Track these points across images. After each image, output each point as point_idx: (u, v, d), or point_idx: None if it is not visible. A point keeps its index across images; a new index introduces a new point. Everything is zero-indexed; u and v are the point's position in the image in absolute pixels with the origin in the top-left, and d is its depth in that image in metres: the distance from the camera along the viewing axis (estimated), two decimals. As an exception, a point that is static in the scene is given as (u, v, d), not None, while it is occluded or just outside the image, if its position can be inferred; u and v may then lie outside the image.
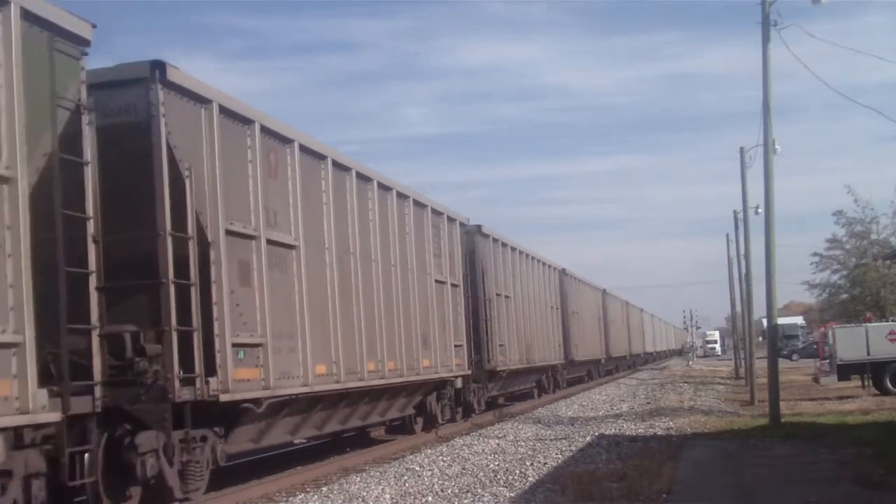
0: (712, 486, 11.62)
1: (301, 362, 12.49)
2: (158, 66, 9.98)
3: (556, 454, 15.27)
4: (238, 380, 10.84)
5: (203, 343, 10.30)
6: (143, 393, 9.73)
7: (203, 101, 10.79)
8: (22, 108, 7.61)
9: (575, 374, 38.58)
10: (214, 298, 10.52)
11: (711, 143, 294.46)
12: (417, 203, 18.09)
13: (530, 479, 12.57)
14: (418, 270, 17.72)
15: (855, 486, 10.85)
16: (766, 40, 19.31)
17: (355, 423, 15.92)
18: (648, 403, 27.58)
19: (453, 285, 20.14)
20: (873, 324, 30.75)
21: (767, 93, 19.62)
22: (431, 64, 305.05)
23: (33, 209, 7.68)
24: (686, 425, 19.50)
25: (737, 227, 42.23)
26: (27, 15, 7.77)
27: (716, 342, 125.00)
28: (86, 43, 8.61)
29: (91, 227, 8.54)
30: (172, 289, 9.90)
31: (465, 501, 11.08)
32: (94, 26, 8.63)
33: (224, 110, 11.13)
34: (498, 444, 17.17)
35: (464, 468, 13.95)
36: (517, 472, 13.24)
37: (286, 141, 12.77)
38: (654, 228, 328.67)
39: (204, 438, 10.95)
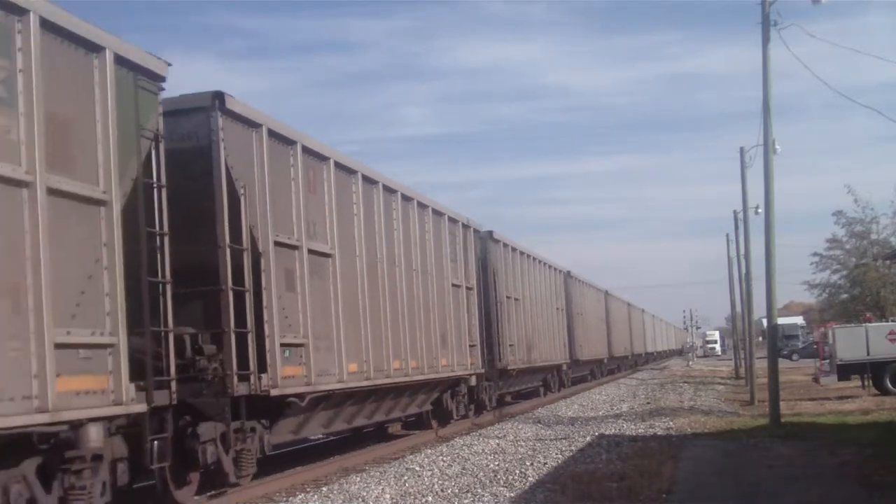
0: (712, 486, 11.56)
1: (336, 361, 13.66)
2: (218, 96, 11.18)
3: (556, 454, 15.34)
4: (285, 376, 12.02)
5: (255, 343, 11.49)
6: (205, 388, 10.89)
7: (254, 125, 11.98)
8: (115, 140, 8.78)
9: (579, 373, 39.73)
10: (265, 303, 11.70)
11: (711, 143, 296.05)
12: (436, 212, 19.27)
13: (530, 479, 12.58)
14: (437, 275, 18.90)
15: (855, 486, 10.88)
16: (766, 40, 19.30)
17: (379, 417, 17.10)
18: (648, 403, 27.68)
19: (468, 288, 21.33)
20: (873, 324, 30.80)
21: (767, 93, 19.61)
22: (431, 64, 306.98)
23: (124, 227, 8.86)
24: (686, 425, 19.56)
25: (737, 227, 42.29)
26: (118, 59, 8.95)
27: (716, 342, 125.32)
28: (162, 79, 9.79)
29: (167, 242, 9.71)
30: (231, 295, 11.08)
31: (465, 501, 11.12)
32: (169, 64, 9.82)
33: (271, 133, 12.32)
34: (498, 444, 17.29)
35: (464, 468, 14.01)
36: (517, 472, 13.28)
37: (322, 158, 13.94)
38: (654, 228, 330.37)
39: (252, 430, 12.13)
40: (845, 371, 27.65)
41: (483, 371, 22.39)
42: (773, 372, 19.82)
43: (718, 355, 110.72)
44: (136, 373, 8.99)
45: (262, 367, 11.57)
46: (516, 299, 26.64)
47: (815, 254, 58.14)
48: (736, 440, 16.55)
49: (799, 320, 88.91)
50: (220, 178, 11.13)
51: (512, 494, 11.34)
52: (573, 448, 16.12)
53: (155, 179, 9.66)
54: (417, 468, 14.00)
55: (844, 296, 56.72)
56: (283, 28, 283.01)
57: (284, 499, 11.75)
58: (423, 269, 18.09)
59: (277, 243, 12.16)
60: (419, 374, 17.30)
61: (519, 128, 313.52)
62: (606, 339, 47.35)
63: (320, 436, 16.95)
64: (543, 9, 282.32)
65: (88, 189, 8.44)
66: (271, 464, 13.72)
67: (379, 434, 19.40)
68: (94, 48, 8.67)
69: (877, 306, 50.28)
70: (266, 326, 11.68)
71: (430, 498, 11.45)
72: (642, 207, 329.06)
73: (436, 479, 12.91)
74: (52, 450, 8.31)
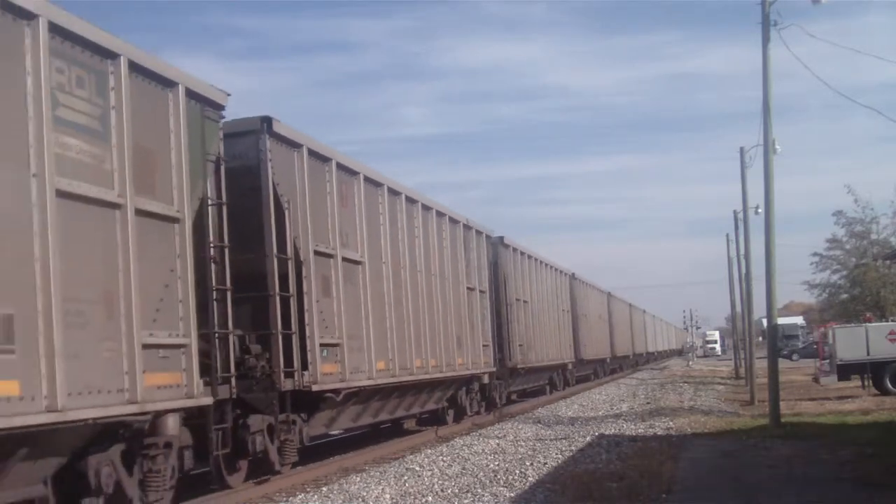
0: (712, 486, 11.57)
1: (367, 359, 14.89)
2: (266, 121, 12.41)
3: (556, 454, 15.33)
4: (324, 373, 13.24)
5: (298, 343, 12.69)
6: (255, 384, 12.09)
7: (296, 145, 13.19)
8: (186, 165, 9.98)
9: (583, 372, 40.93)
10: (306, 307, 12.92)
11: (711, 143, 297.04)
12: (452, 220, 20.51)
13: (530, 479, 12.60)
14: (453, 279, 20.12)
15: (855, 486, 10.91)
16: (766, 40, 19.29)
17: (401, 412, 18.31)
18: (648, 403, 27.69)
19: (481, 291, 22.58)
20: (873, 324, 30.73)
21: (767, 93, 19.60)
22: (431, 64, 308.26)
23: (194, 241, 10.05)
24: (686, 425, 19.56)
25: (737, 227, 42.22)
26: (188, 92, 10.14)
27: (716, 342, 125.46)
28: (222, 108, 11.00)
29: (227, 254, 10.90)
30: (278, 300, 12.28)
31: (465, 501, 11.12)
32: (228, 95, 11.01)
33: (311, 152, 13.54)
34: (498, 444, 17.31)
35: (464, 468, 14.03)
36: (517, 472, 13.29)
37: (353, 173, 15.15)
38: (654, 228, 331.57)
39: (293, 422, 13.33)
40: (845, 371, 27.64)
41: (495, 370, 23.64)
42: (773, 372, 19.87)
43: (718, 355, 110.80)
44: (202, 370, 10.17)
45: (305, 365, 12.79)
46: (525, 301, 27.89)
47: (815, 254, 58.21)
48: (736, 440, 16.58)
49: (799, 320, 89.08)
50: (268, 195, 12.34)
51: (512, 494, 11.39)
52: (573, 448, 16.17)
53: (218, 198, 10.85)
54: (417, 468, 14.09)
55: (844, 296, 56.73)
56: (283, 28, 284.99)
57: (284, 499, 11.86)
58: (441, 273, 19.30)
59: (317, 252, 13.36)
60: (438, 372, 18.51)
61: (519, 128, 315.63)
62: (609, 339, 48.57)
63: (342, 431, 18.10)
64: (543, 9, 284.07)
65: (166, 208, 9.64)
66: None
67: (392, 430, 20.24)
68: (169, 83, 9.87)
69: (877, 306, 50.34)
70: (307, 328, 12.90)
71: (430, 498, 11.50)
72: (642, 207, 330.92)
73: (436, 479, 12.97)
74: (133, 437, 9.48)
